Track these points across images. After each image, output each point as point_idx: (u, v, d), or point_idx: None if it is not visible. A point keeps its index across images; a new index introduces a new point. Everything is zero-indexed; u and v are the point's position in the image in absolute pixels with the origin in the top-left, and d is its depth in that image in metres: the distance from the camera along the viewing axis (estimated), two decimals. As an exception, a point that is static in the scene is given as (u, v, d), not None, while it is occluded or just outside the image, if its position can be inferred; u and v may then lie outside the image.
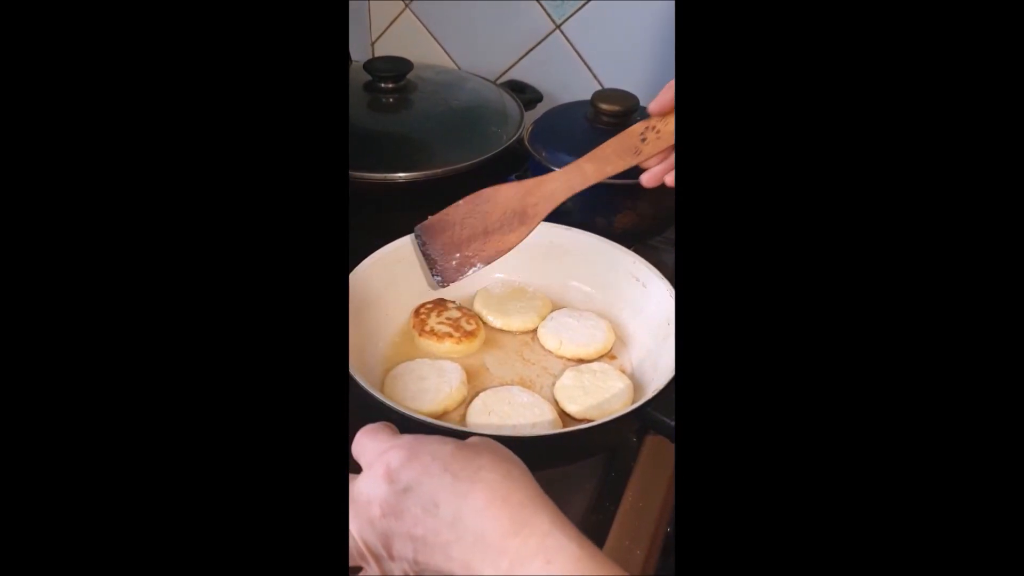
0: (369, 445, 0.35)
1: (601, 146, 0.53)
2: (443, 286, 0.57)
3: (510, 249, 0.54)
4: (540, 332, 0.61)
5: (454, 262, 0.55)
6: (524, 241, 0.65)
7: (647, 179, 0.53)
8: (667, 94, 0.49)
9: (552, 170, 0.69)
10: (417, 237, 0.58)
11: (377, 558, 0.33)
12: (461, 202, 0.55)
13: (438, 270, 0.56)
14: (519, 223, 0.53)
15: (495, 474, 0.32)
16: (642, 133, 0.51)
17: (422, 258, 0.58)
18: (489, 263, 0.55)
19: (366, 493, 0.33)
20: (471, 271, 0.55)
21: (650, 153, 0.51)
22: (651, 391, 0.49)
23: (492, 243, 0.54)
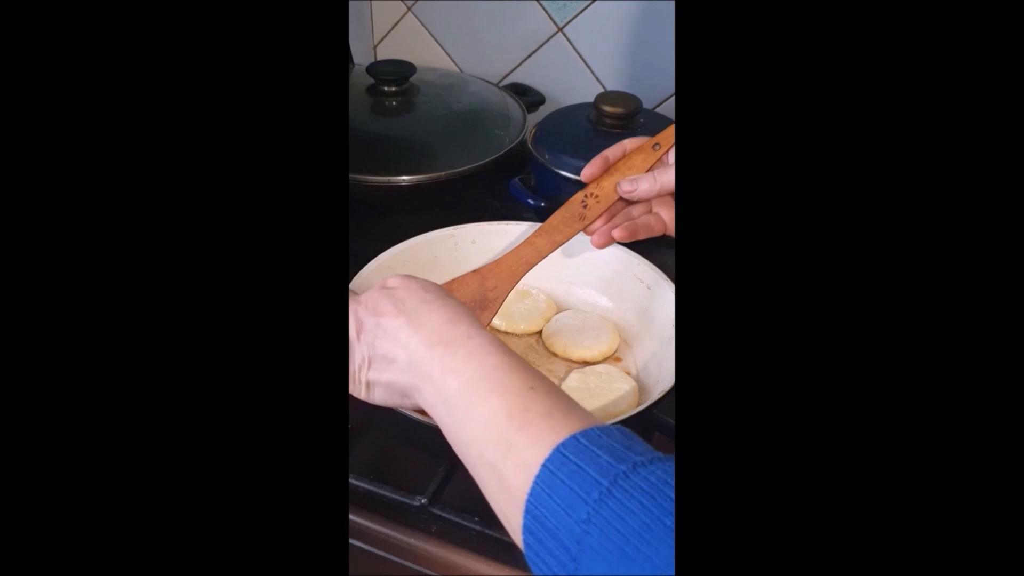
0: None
1: (548, 219, 0.57)
2: None
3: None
4: (545, 335, 0.61)
5: None
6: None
7: (596, 241, 0.56)
8: (594, 163, 0.56)
9: (556, 173, 0.69)
10: None
11: (349, 343, 0.43)
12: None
13: None
14: (480, 310, 0.55)
15: (453, 298, 0.43)
16: (583, 200, 0.56)
17: None
18: None
19: (362, 299, 0.44)
20: None
21: (593, 216, 0.56)
22: (656, 393, 0.49)
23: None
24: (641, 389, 0.56)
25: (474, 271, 0.56)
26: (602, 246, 0.56)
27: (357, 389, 0.43)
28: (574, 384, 0.55)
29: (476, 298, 0.55)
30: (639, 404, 0.53)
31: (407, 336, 0.40)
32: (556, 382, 0.57)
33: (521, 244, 0.56)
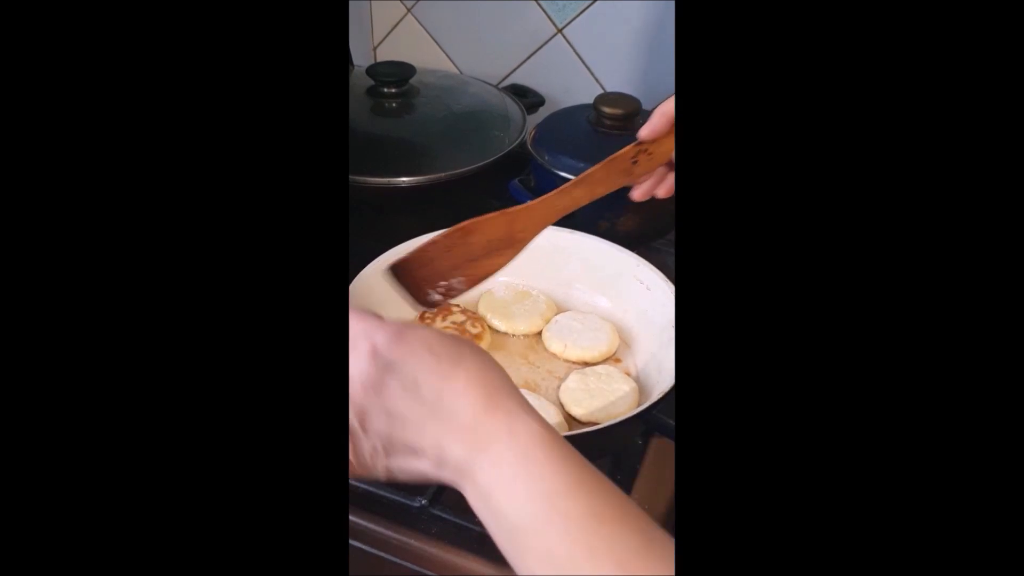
0: (356, 325, 0.35)
1: (590, 170, 0.54)
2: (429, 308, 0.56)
3: (498, 271, 0.54)
4: (544, 335, 0.61)
5: (440, 291, 0.54)
6: (528, 244, 0.65)
7: (638, 194, 0.54)
8: (657, 120, 0.51)
9: (556, 174, 0.70)
10: (391, 274, 0.54)
11: (351, 433, 0.34)
12: (438, 236, 0.53)
13: (421, 301, 0.54)
14: (506, 247, 0.53)
15: (475, 361, 0.34)
16: (634, 156, 0.53)
17: (400, 291, 0.55)
18: (475, 286, 0.54)
19: (353, 374, 0.34)
20: (456, 296, 0.54)
21: (641, 173, 0.53)
22: (656, 394, 0.49)
23: (479, 267, 0.53)
24: (641, 390, 0.56)
25: (501, 212, 0.53)
26: (641, 199, 0.54)
27: (371, 473, 0.35)
28: (574, 385, 0.56)
29: (502, 236, 0.53)
30: (639, 405, 0.53)
31: (433, 432, 0.32)
32: (556, 383, 0.57)
33: (556, 192, 0.53)
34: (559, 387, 0.57)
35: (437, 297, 0.53)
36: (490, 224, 0.52)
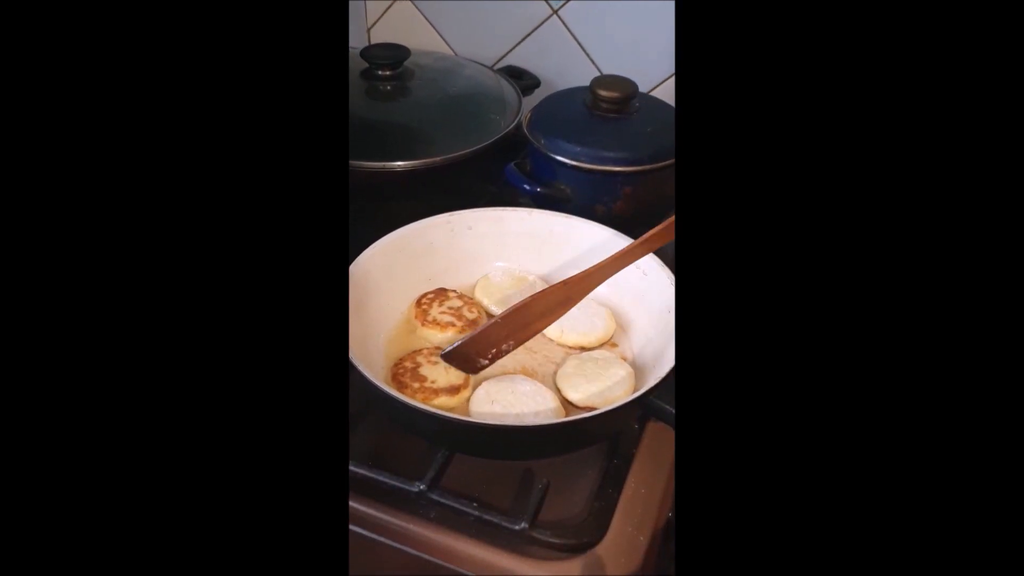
0: None
1: (655, 230, 0.54)
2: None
3: (545, 328, 0.56)
4: (541, 320, 0.61)
5: (488, 358, 0.54)
6: (524, 229, 0.65)
7: None
8: None
9: (553, 158, 0.69)
10: (445, 358, 0.54)
11: None
12: (499, 318, 0.53)
13: (468, 370, 0.55)
14: (560, 307, 0.55)
15: None
16: None
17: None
18: (521, 345, 0.55)
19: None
20: (504, 357, 0.55)
21: None
22: (653, 379, 0.49)
23: (530, 330, 0.55)
24: (637, 375, 0.56)
25: (562, 282, 0.55)
26: None
27: None
28: (571, 370, 0.56)
29: (560, 300, 0.54)
30: (636, 389, 0.53)
31: None
32: (553, 368, 0.57)
33: (619, 254, 0.55)
34: (556, 372, 0.57)
35: (485, 363, 0.54)
36: (549, 294, 0.54)
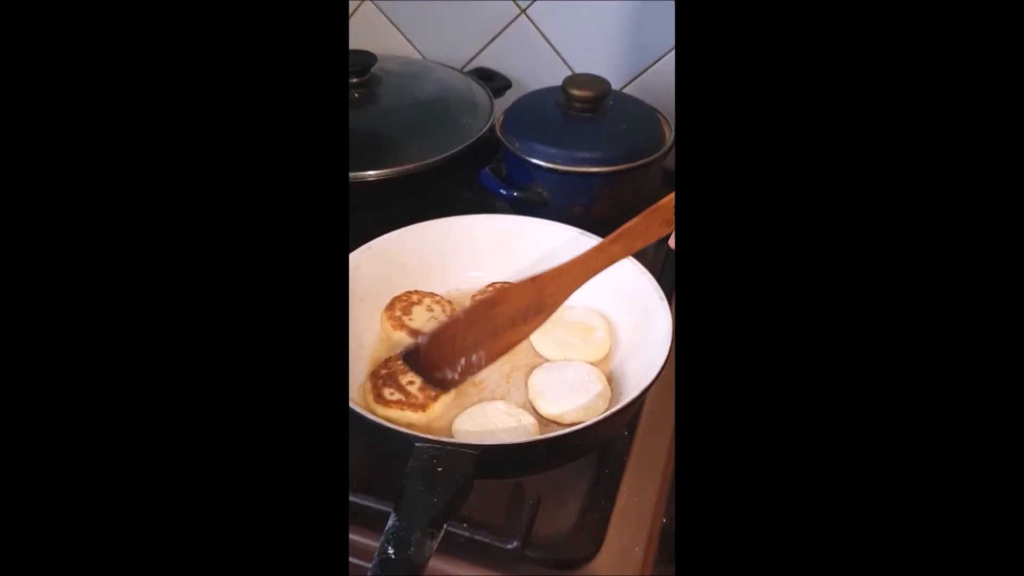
0: None
1: (628, 225, 0.50)
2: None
3: (522, 340, 0.50)
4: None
5: (457, 371, 0.49)
6: (501, 238, 0.63)
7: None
8: None
9: (528, 161, 0.68)
10: (406, 360, 0.49)
11: None
12: (461, 313, 0.49)
13: (438, 381, 0.49)
14: (534, 315, 0.49)
15: None
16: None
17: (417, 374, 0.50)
18: (495, 360, 0.49)
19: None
20: (476, 373, 0.50)
21: None
22: (634, 389, 0.48)
23: (503, 340, 0.49)
24: (618, 383, 0.55)
25: (531, 278, 0.49)
26: None
27: None
28: (552, 383, 0.54)
29: (531, 303, 0.49)
30: (613, 402, 0.52)
31: None
32: (531, 375, 0.56)
33: (591, 250, 0.50)
34: (535, 383, 0.55)
35: (454, 376, 0.49)
36: (519, 292, 0.49)
